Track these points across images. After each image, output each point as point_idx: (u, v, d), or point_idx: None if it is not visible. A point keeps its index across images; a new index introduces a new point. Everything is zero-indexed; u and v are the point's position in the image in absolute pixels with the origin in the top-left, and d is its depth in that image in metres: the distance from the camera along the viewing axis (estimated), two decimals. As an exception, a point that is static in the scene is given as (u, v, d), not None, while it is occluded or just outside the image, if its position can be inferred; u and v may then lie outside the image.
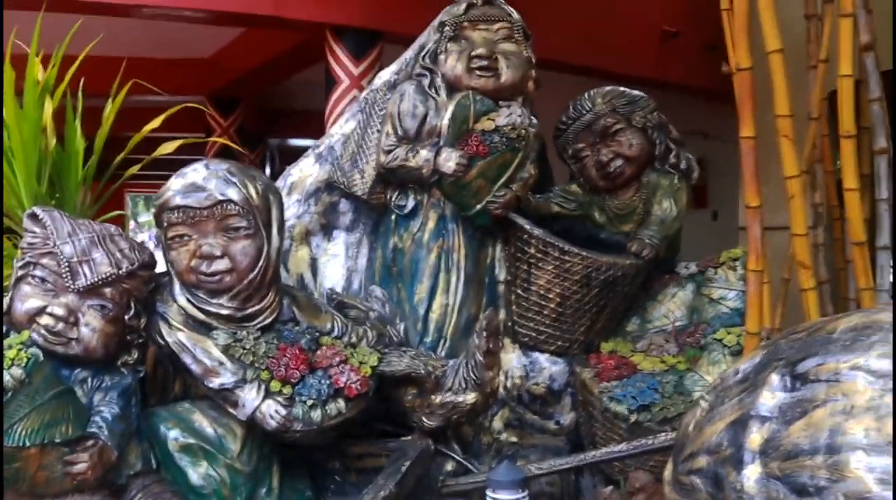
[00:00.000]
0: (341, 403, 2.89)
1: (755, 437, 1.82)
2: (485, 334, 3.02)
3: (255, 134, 11.43)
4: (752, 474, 1.80)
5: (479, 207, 3.40)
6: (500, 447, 3.44)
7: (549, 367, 3.57)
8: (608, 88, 3.81)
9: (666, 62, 7.69)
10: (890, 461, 1.57)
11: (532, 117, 3.45)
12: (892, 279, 3.05)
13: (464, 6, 3.52)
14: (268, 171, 11.95)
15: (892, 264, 3.05)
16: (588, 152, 3.77)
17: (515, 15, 3.55)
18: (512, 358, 3.56)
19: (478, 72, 3.42)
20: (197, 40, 8.73)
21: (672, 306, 3.66)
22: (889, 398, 1.63)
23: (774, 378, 1.86)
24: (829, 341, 1.83)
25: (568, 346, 3.57)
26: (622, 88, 3.80)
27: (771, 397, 1.84)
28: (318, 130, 5.43)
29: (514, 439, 3.48)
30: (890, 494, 1.55)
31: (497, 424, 3.49)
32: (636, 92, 3.80)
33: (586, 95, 3.78)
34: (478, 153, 3.31)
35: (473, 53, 3.42)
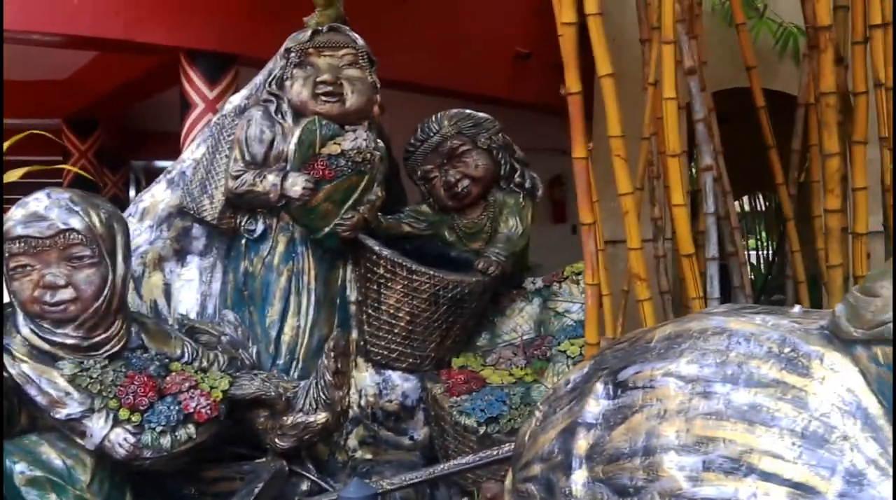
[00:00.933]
0: (191, 428, 2.91)
1: (582, 443, 1.91)
2: (333, 354, 3.08)
3: (118, 156, 11.18)
4: (579, 478, 1.89)
5: (327, 229, 3.47)
6: (356, 465, 3.50)
7: (402, 384, 3.64)
8: (455, 110, 3.91)
9: (521, 82, 7.87)
10: (698, 459, 1.68)
11: (378, 141, 3.53)
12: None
13: (309, 33, 3.58)
14: (133, 193, 11.69)
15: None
16: (436, 173, 3.85)
17: (360, 41, 3.63)
18: (365, 377, 3.62)
19: (323, 97, 3.49)
20: (53, 61, 8.51)
21: (520, 321, 3.78)
22: (697, 401, 1.75)
23: (599, 387, 1.96)
24: (646, 350, 1.94)
25: (419, 362, 3.66)
26: (468, 111, 3.91)
27: (596, 405, 1.94)
28: (181, 153, 5.39)
29: (369, 456, 3.54)
30: (699, 489, 1.67)
31: (352, 442, 3.54)
32: (482, 114, 3.91)
33: (433, 117, 3.87)
34: (324, 177, 3.38)
35: (319, 79, 3.49)
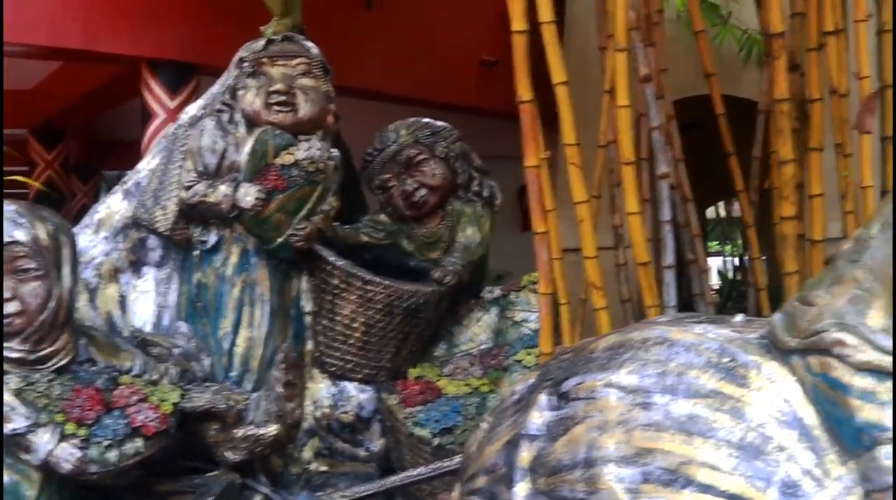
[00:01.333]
0: (139, 442, 2.88)
1: (525, 455, 1.89)
2: (283, 365, 3.05)
3: (87, 166, 11.10)
4: (521, 491, 1.87)
5: (280, 240, 3.44)
6: (311, 477, 3.46)
7: (358, 395, 3.61)
8: (412, 119, 3.89)
9: (488, 90, 7.87)
10: (637, 471, 1.67)
11: (332, 151, 3.51)
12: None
13: (263, 42, 3.56)
14: (104, 202, 11.59)
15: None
16: (394, 183, 3.83)
17: (315, 50, 3.61)
18: (321, 388, 3.59)
19: (276, 107, 3.46)
20: (19, 71, 8.47)
21: (478, 330, 3.76)
22: (637, 412, 1.73)
23: (542, 398, 1.95)
24: (589, 361, 1.92)
25: (375, 373, 3.63)
26: (426, 120, 3.89)
27: (539, 417, 1.92)
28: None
29: (324, 468, 3.51)
30: (637, 503, 1.65)
31: (307, 454, 3.51)
32: (439, 123, 3.89)
33: (391, 127, 3.86)
34: (276, 187, 3.36)
35: (271, 89, 3.47)
